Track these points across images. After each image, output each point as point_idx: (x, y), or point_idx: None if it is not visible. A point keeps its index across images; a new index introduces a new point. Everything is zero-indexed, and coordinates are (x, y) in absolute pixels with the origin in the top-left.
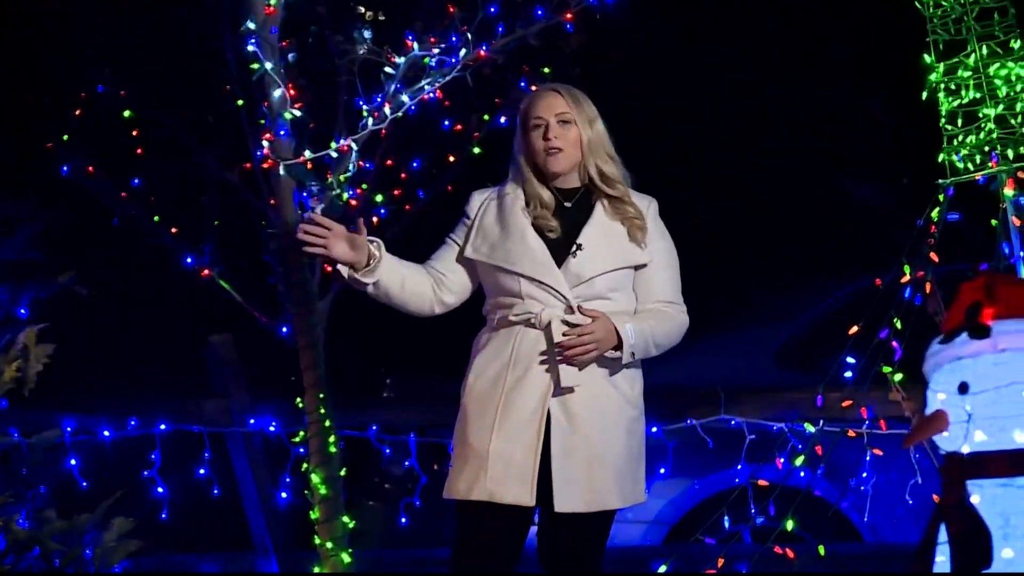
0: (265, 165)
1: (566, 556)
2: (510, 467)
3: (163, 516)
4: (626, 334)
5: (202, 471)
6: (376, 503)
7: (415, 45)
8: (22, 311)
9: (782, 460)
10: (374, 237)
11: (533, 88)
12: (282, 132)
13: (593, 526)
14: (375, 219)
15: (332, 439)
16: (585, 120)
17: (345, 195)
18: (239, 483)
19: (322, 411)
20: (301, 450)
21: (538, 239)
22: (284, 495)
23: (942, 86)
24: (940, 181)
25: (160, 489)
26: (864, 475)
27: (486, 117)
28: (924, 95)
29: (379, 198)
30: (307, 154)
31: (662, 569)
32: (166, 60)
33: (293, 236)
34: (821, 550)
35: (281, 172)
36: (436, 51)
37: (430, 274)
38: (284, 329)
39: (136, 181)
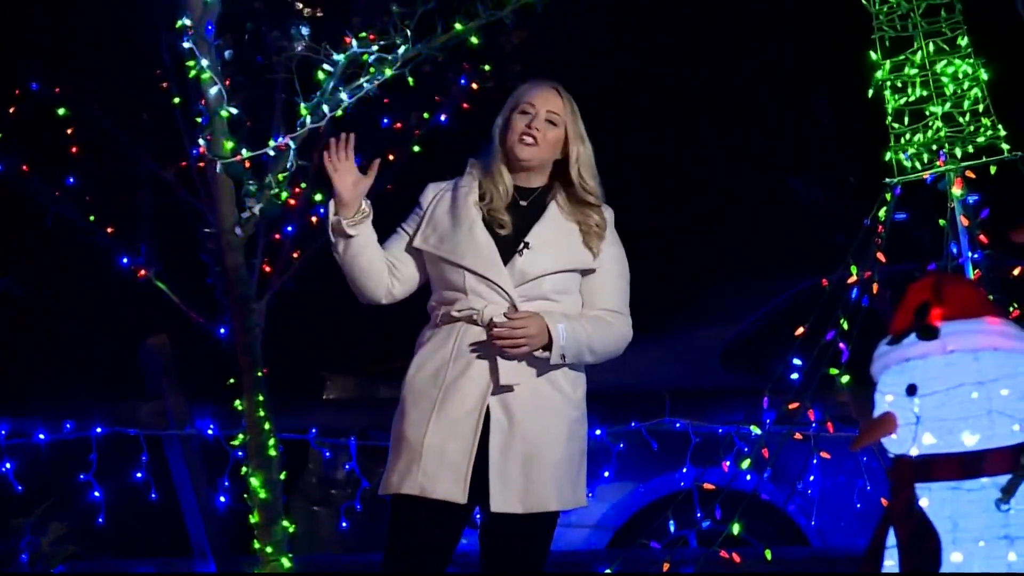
0: (201, 164)
1: (507, 559)
2: (443, 462)
3: (100, 520)
4: (557, 334)
5: (139, 475)
6: (318, 508)
7: (354, 42)
8: None
9: (728, 463)
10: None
11: (474, 86)
12: (218, 130)
13: (534, 529)
14: (314, 218)
15: (271, 442)
16: (576, 135)
17: (283, 194)
18: (177, 487)
19: (261, 413)
20: (240, 453)
21: (486, 234)
22: (223, 499)
23: (888, 84)
24: (887, 180)
25: (97, 493)
26: (811, 478)
27: (426, 115)
28: (870, 93)
29: (318, 197)
30: (244, 152)
31: (607, 572)
32: (101, 57)
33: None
34: (768, 554)
35: (218, 170)
36: (375, 48)
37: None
38: (222, 330)
39: (71, 180)
